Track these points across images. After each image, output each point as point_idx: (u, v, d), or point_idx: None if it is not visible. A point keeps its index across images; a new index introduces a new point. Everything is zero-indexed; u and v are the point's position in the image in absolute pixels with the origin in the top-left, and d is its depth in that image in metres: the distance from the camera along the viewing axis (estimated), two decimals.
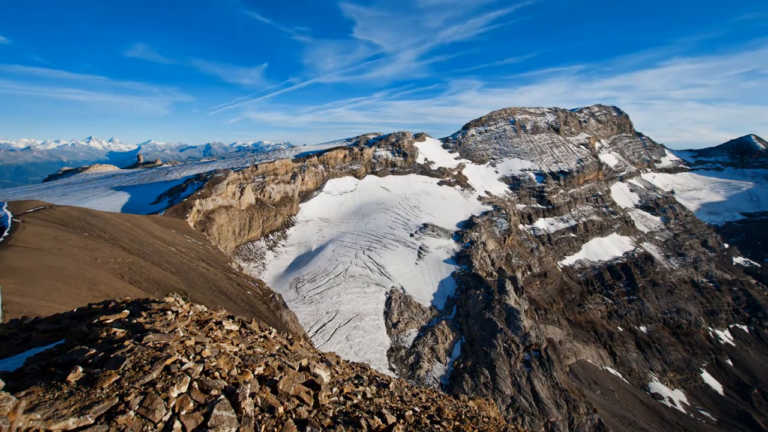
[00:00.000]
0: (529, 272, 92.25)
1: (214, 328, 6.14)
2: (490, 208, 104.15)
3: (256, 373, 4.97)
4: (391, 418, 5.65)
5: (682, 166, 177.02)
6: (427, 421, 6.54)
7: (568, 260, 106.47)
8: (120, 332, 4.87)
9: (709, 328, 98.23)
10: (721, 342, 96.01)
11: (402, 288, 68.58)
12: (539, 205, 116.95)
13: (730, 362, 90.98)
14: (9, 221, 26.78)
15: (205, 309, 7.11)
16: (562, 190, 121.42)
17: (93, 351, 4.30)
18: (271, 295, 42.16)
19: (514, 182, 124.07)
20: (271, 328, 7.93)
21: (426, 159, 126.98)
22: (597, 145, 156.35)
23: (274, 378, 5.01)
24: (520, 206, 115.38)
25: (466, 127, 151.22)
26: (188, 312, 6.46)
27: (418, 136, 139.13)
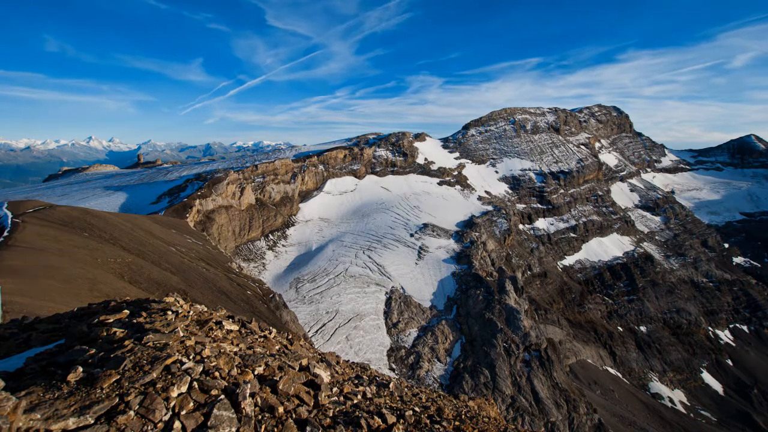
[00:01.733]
0: (529, 272, 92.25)
1: (214, 328, 6.14)
2: (490, 208, 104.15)
3: (256, 373, 4.97)
4: (391, 418, 5.65)
5: (682, 166, 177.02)
6: (427, 421, 6.53)
7: (568, 260, 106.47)
8: (120, 332, 4.87)
9: (709, 328, 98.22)
10: (721, 342, 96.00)
11: (402, 288, 68.58)
12: (539, 205, 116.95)
13: (730, 362, 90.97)
14: (9, 221, 26.77)
15: (205, 309, 7.11)
16: (562, 190, 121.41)
17: (93, 351, 4.30)
18: (271, 295, 42.16)
19: (514, 182, 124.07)
20: (271, 328, 7.93)
21: (426, 159, 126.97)
22: (597, 145, 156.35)
23: (274, 378, 5.01)
24: (520, 206, 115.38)
25: (466, 127, 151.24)
26: (188, 312, 6.46)
27: (418, 136, 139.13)
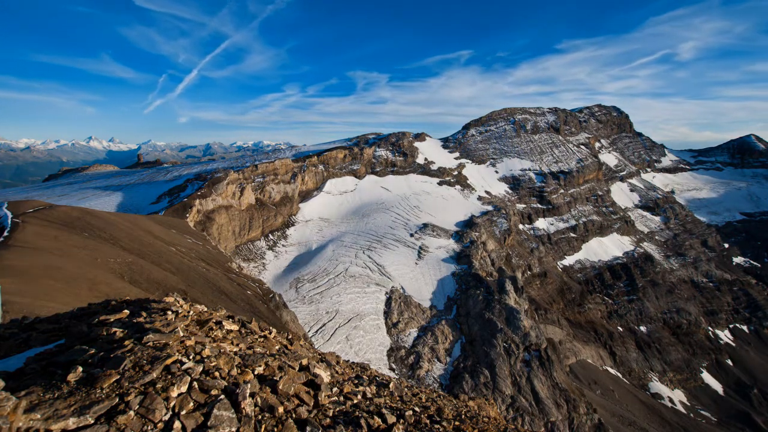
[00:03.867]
0: (529, 272, 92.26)
1: (214, 328, 6.14)
2: (490, 208, 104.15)
3: (256, 373, 4.97)
4: (391, 418, 5.65)
5: (682, 166, 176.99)
6: (427, 421, 6.54)
7: (568, 260, 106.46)
8: (120, 332, 4.87)
9: (709, 328, 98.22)
10: (721, 342, 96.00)
11: (402, 288, 68.58)
12: (539, 205, 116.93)
13: (730, 362, 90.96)
14: (9, 221, 26.77)
15: (205, 309, 7.11)
16: (562, 190, 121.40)
17: (93, 351, 4.30)
18: (271, 295, 42.17)
19: (514, 182, 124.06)
20: (271, 328, 7.93)
21: (426, 159, 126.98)
22: (597, 145, 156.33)
23: (274, 378, 5.01)
24: (520, 206, 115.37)
25: (466, 127, 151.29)
26: (188, 312, 6.46)
27: (418, 136, 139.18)
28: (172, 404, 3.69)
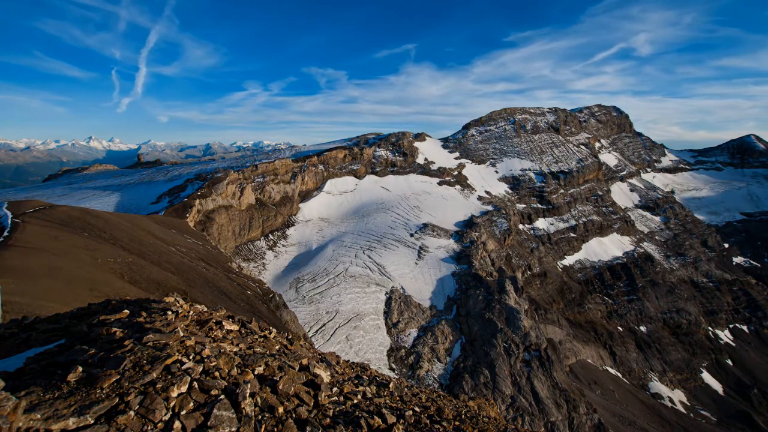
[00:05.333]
0: (529, 272, 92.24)
1: (214, 328, 6.14)
2: (490, 208, 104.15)
3: (256, 373, 4.97)
4: (391, 418, 5.65)
5: (682, 166, 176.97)
6: (427, 421, 6.54)
7: (568, 260, 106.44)
8: (120, 332, 4.87)
9: (709, 328, 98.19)
10: (721, 342, 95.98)
11: (402, 288, 68.58)
12: (539, 205, 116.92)
13: (730, 362, 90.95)
14: (9, 221, 26.77)
15: (205, 309, 7.11)
16: (562, 190, 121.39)
17: (93, 351, 4.30)
18: (271, 295, 42.17)
19: (514, 182, 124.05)
20: (271, 328, 7.93)
21: (426, 159, 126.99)
22: (597, 145, 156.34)
23: (274, 378, 5.01)
24: (520, 206, 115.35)
25: (466, 127, 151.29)
26: (188, 312, 6.46)
27: (418, 136, 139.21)
28: (172, 404, 3.69)
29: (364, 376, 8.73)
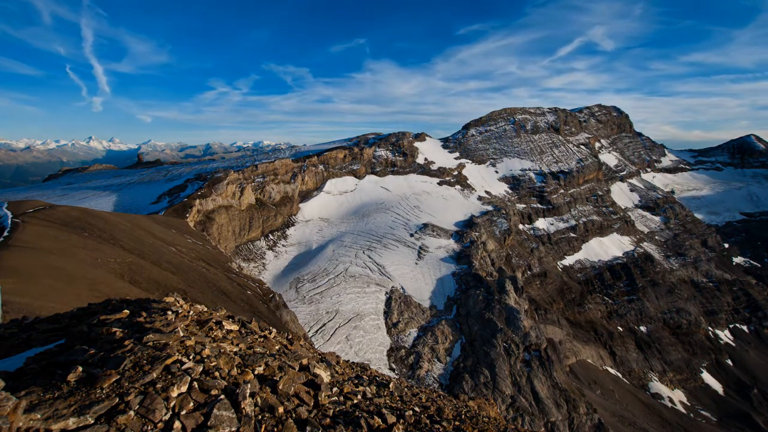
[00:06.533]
0: (529, 272, 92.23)
1: (214, 328, 6.14)
2: (490, 208, 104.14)
3: (256, 373, 4.97)
4: (391, 418, 5.65)
5: (682, 166, 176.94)
6: (427, 421, 6.54)
7: (568, 260, 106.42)
8: (120, 332, 4.87)
9: (709, 328, 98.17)
10: (721, 342, 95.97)
11: (402, 288, 68.57)
12: (539, 205, 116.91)
13: (730, 362, 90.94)
14: (9, 221, 26.77)
15: (205, 309, 7.11)
16: (562, 190, 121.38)
17: (93, 351, 4.30)
18: (271, 295, 42.16)
19: (514, 182, 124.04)
20: (271, 328, 7.93)
21: (426, 159, 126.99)
22: (597, 145, 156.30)
23: (274, 378, 5.01)
24: (520, 206, 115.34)
25: (466, 127, 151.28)
26: (188, 312, 6.46)
27: (418, 136, 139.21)
28: (172, 404, 3.69)
29: (364, 376, 8.73)
